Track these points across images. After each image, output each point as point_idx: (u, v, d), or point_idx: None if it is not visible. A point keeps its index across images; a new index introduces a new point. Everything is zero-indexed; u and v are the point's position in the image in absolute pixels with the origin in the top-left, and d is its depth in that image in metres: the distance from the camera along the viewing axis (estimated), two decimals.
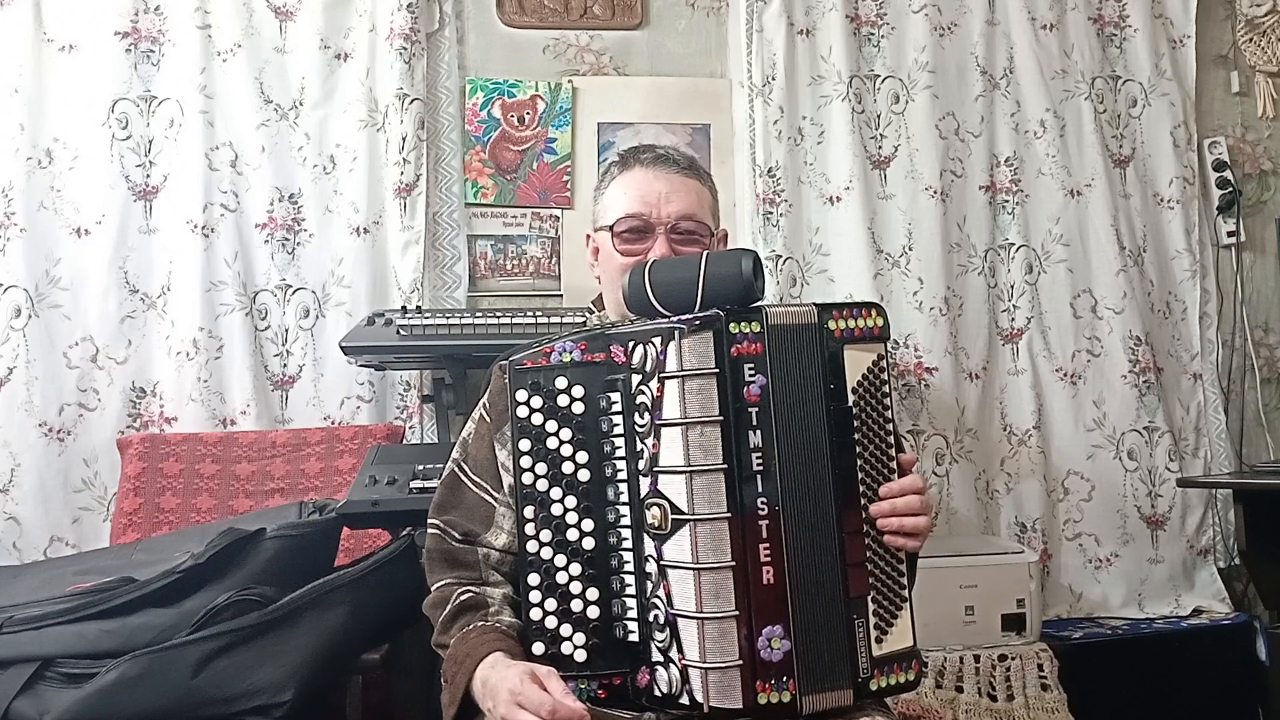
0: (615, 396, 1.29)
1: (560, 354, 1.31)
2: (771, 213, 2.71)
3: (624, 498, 1.28)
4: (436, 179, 2.67)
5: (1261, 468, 2.78)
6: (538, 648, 1.27)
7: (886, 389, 1.30)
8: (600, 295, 1.62)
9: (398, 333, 2.23)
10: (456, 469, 1.46)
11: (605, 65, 2.79)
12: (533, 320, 2.26)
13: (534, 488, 1.30)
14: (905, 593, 1.30)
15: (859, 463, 1.27)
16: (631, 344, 1.28)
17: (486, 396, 1.48)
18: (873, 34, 2.83)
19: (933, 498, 2.69)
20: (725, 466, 1.21)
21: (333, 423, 2.54)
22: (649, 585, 1.25)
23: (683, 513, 1.21)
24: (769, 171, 2.72)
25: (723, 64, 2.84)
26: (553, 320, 2.24)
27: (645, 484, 1.25)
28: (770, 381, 1.23)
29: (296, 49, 2.63)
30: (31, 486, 2.43)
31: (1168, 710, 2.51)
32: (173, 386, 2.50)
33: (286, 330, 2.58)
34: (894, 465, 1.30)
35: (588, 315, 1.75)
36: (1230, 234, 2.97)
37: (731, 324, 1.23)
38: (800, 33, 2.77)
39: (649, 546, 1.25)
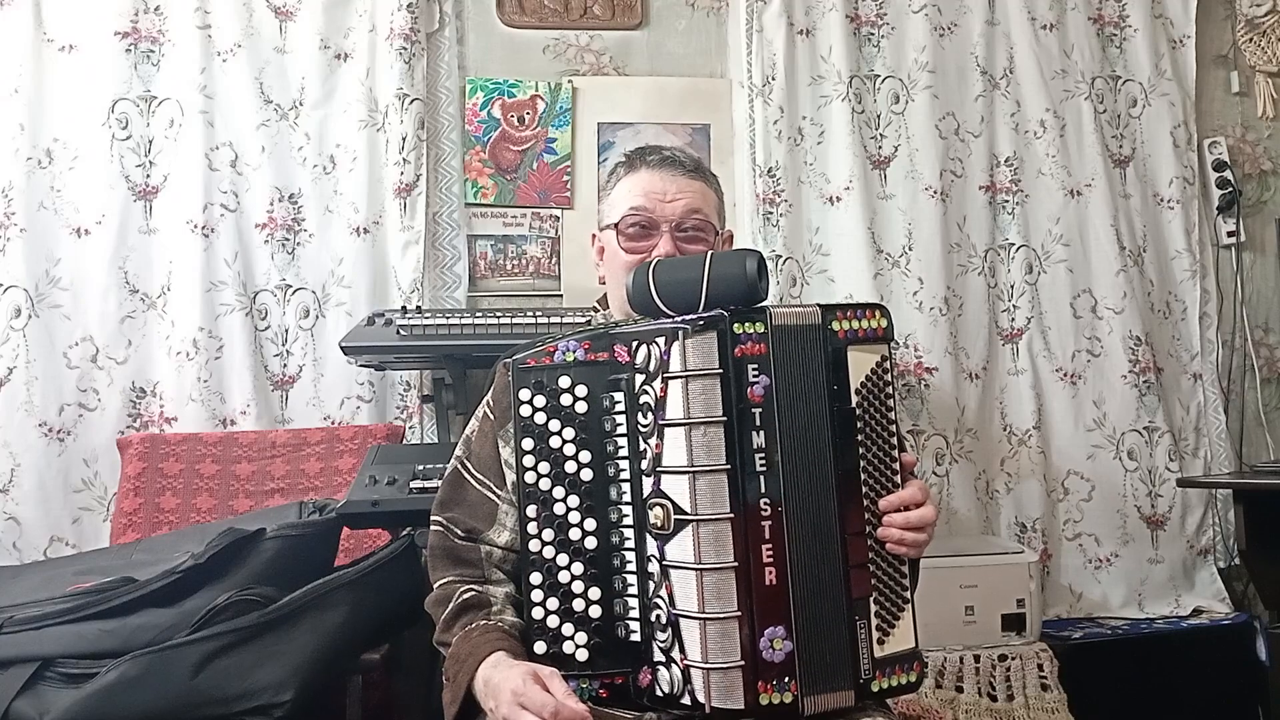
0: (619, 396, 1.29)
1: (564, 353, 1.31)
2: (771, 213, 2.71)
3: (627, 497, 1.28)
4: (436, 179, 2.66)
5: (1261, 468, 2.78)
6: (539, 647, 1.27)
7: (890, 390, 1.30)
8: (605, 295, 1.62)
9: (398, 333, 2.23)
10: (460, 466, 1.46)
11: (605, 65, 2.79)
12: (533, 320, 2.25)
13: (537, 487, 1.30)
14: (907, 594, 1.30)
15: (862, 464, 1.27)
16: (635, 344, 1.28)
17: (490, 394, 1.48)
18: (873, 34, 2.82)
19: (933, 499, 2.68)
20: (728, 467, 1.21)
21: (333, 423, 2.53)
22: (651, 585, 1.25)
23: (685, 513, 1.21)
24: (769, 171, 2.72)
25: (723, 64, 2.83)
26: (552, 320, 2.24)
27: (648, 484, 1.25)
28: (774, 382, 1.23)
29: (296, 49, 2.63)
30: (31, 486, 2.42)
31: (1168, 710, 2.51)
32: (173, 386, 2.50)
33: (286, 330, 2.58)
34: (897, 467, 1.30)
35: (591, 314, 1.75)
36: (1230, 234, 2.97)
37: (735, 324, 1.22)
38: (800, 33, 2.77)
39: (651, 546, 1.24)
